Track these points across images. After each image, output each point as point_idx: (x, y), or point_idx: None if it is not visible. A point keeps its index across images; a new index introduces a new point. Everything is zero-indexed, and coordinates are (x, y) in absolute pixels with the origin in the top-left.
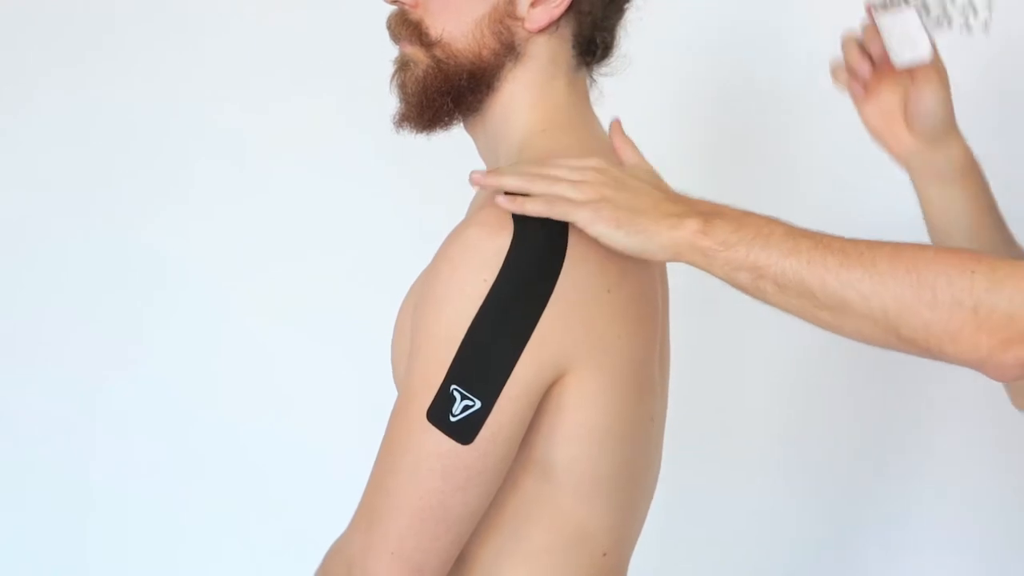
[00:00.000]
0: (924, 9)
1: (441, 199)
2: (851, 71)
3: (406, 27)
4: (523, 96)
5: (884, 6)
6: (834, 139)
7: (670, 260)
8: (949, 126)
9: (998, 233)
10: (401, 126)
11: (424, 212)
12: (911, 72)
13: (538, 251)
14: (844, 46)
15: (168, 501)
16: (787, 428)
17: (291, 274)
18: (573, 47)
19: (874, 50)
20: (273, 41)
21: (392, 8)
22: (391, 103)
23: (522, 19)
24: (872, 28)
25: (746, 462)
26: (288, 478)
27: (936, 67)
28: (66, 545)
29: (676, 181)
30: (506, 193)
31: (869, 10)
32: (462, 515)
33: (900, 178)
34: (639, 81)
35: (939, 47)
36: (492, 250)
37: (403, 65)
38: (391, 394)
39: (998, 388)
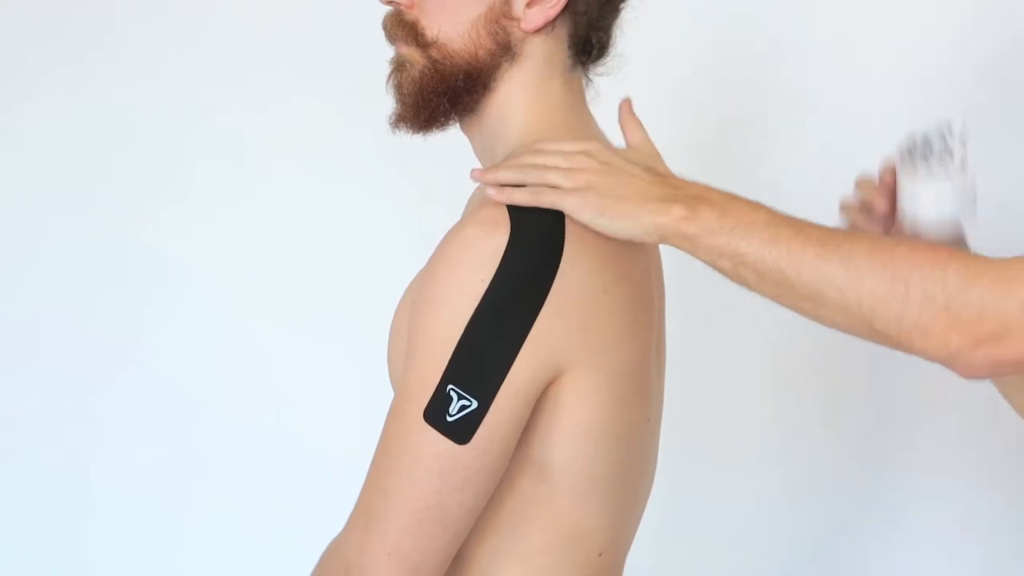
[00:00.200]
0: (910, 157)
1: (441, 199)
2: (867, 210)
3: (402, 28)
4: (519, 96)
5: (913, 162)
6: (830, 138)
7: (657, 243)
8: None
9: None
10: (397, 126)
11: (424, 212)
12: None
13: (535, 251)
14: (858, 186)
15: (168, 501)
16: (784, 428)
17: (291, 274)
18: (569, 47)
19: (886, 205)
20: (273, 41)
21: (388, 8)
22: (391, 103)
23: (518, 19)
24: (890, 175)
25: (743, 462)
26: (288, 478)
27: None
28: (66, 545)
29: None
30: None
31: (893, 167)
32: (459, 515)
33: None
34: (635, 81)
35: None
36: (489, 250)
37: (399, 65)
38: (391, 394)
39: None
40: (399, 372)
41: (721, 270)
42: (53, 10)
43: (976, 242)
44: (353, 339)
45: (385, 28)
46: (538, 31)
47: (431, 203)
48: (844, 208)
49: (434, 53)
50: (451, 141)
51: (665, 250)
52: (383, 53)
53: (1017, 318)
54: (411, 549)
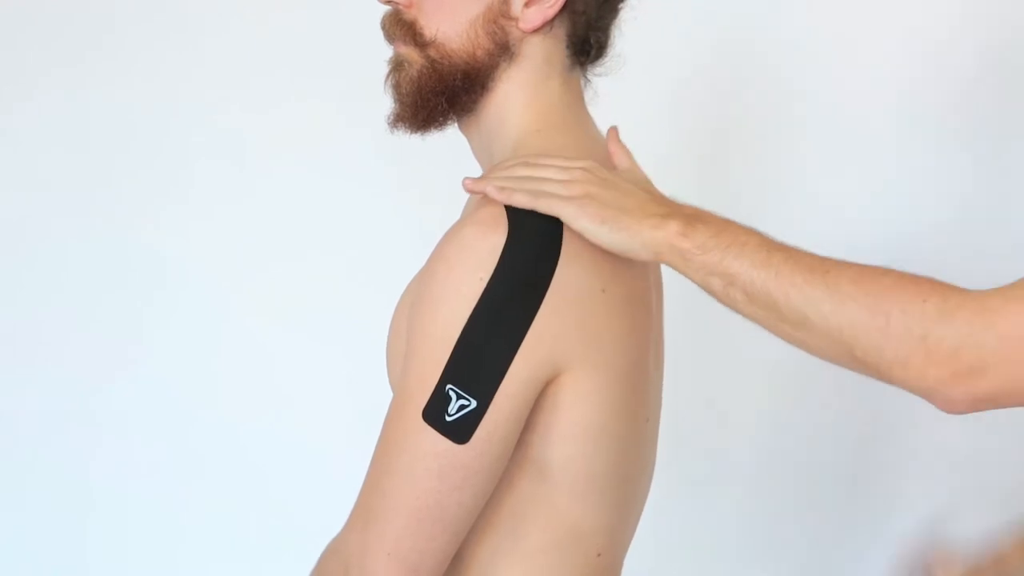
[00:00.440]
0: None
1: (440, 199)
2: None
3: (400, 27)
4: (517, 96)
5: None
6: (830, 138)
7: (651, 259)
8: None
9: None
10: (396, 126)
11: (423, 212)
12: None
13: (533, 250)
14: None
15: (168, 501)
16: (784, 429)
17: (291, 274)
18: (567, 47)
19: None
20: (273, 41)
21: (386, 8)
22: (390, 103)
23: (516, 19)
24: None
25: (741, 463)
26: (288, 478)
27: None
28: (66, 545)
29: (669, 180)
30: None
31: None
32: (458, 515)
33: (893, 177)
34: (634, 81)
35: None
36: (487, 249)
37: (397, 65)
38: (390, 394)
39: None
40: (398, 372)
41: (712, 290)
42: (53, 10)
43: (975, 242)
44: (353, 339)
45: (383, 28)
46: (536, 31)
47: (431, 203)
48: None
49: (432, 53)
50: (450, 141)
51: None
52: (383, 53)
53: (995, 353)
54: (410, 549)
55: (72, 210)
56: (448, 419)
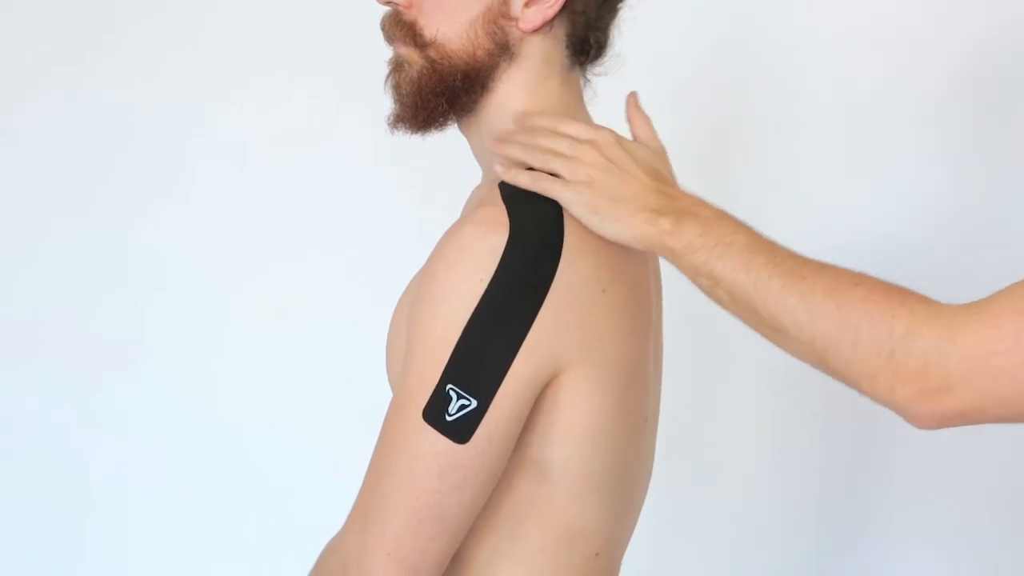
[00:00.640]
0: None
1: (440, 199)
2: None
3: (400, 28)
4: (517, 96)
5: None
6: (828, 139)
7: (644, 250)
8: None
9: None
10: (396, 127)
11: (424, 212)
12: None
13: (534, 251)
14: None
15: (168, 501)
16: (783, 429)
17: (291, 274)
18: (567, 47)
19: None
20: (273, 41)
21: (386, 9)
22: (390, 103)
23: (516, 19)
24: None
25: (740, 463)
26: (288, 478)
27: None
28: (66, 545)
29: None
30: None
31: None
32: (458, 515)
33: (893, 177)
34: (633, 81)
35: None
36: (487, 249)
37: (397, 66)
38: (390, 394)
39: None
40: (398, 372)
41: (700, 287)
42: (53, 10)
43: (975, 241)
44: (353, 339)
45: (383, 28)
46: (536, 31)
47: (431, 203)
48: None
49: (432, 53)
50: (450, 141)
51: None
52: (382, 53)
53: (959, 372)
54: (410, 549)
55: (72, 210)
56: (448, 419)
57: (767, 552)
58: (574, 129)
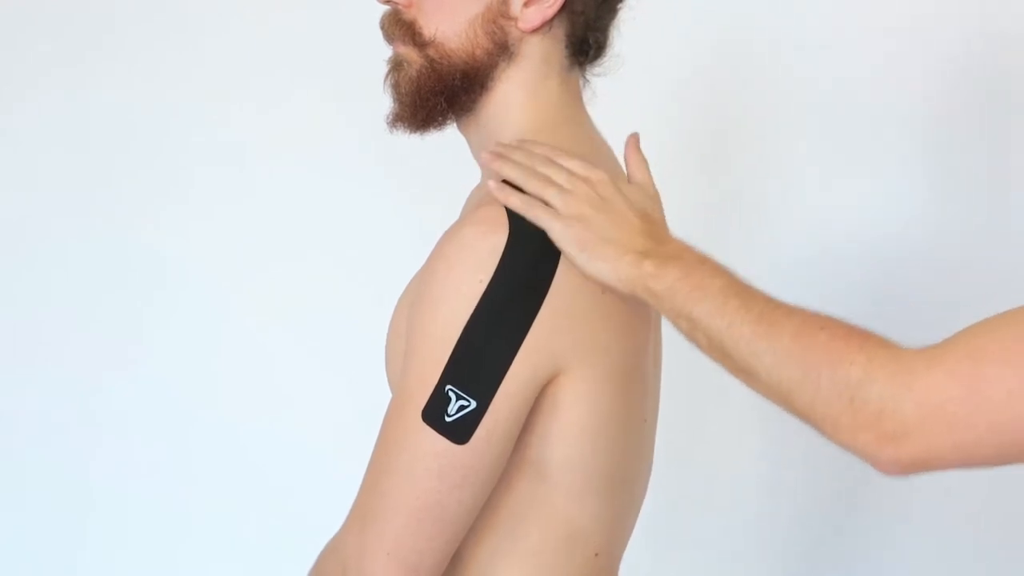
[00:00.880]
0: None
1: (440, 199)
2: None
3: (399, 27)
4: (516, 96)
5: None
6: (828, 140)
7: (626, 293)
8: None
9: None
10: (395, 126)
11: (423, 212)
12: None
13: (533, 251)
14: None
15: (168, 501)
16: (782, 429)
17: (291, 274)
18: (566, 47)
19: None
20: (273, 41)
21: (385, 8)
22: (389, 103)
23: (515, 19)
24: None
25: (739, 463)
26: (288, 478)
27: None
28: (66, 545)
29: (670, 180)
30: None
31: None
32: (458, 515)
33: (893, 178)
34: (633, 81)
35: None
36: (487, 249)
37: (396, 65)
38: (389, 394)
39: None
40: (397, 372)
41: (680, 330)
42: (53, 10)
43: (975, 242)
44: (353, 339)
45: (382, 28)
46: (535, 31)
47: (431, 203)
48: None
49: (431, 53)
50: (450, 141)
51: None
52: (382, 53)
53: (915, 418)
54: (410, 549)
55: (72, 210)
56: (448, 419)
57: (767, 552)
58: (572, 164)
